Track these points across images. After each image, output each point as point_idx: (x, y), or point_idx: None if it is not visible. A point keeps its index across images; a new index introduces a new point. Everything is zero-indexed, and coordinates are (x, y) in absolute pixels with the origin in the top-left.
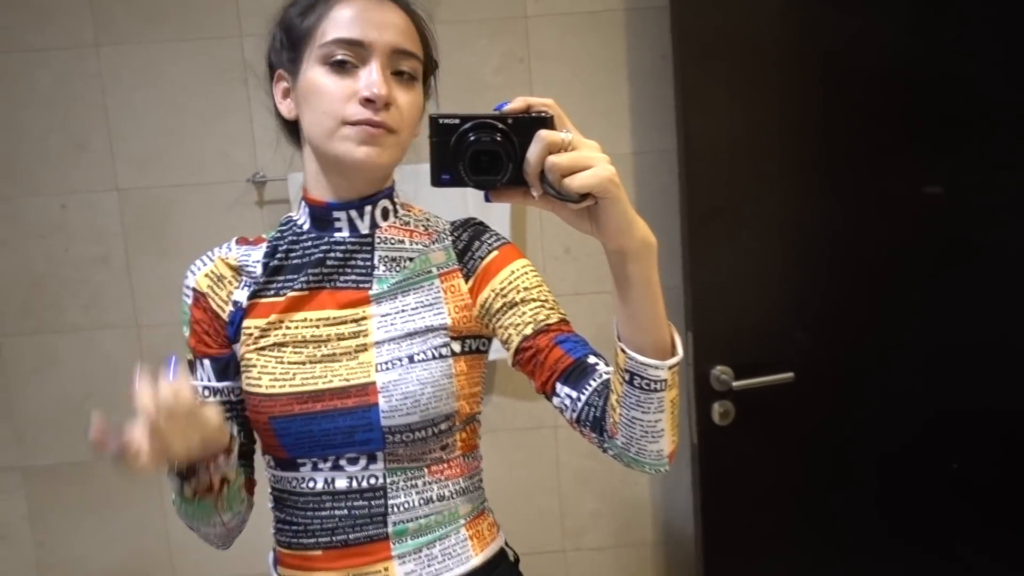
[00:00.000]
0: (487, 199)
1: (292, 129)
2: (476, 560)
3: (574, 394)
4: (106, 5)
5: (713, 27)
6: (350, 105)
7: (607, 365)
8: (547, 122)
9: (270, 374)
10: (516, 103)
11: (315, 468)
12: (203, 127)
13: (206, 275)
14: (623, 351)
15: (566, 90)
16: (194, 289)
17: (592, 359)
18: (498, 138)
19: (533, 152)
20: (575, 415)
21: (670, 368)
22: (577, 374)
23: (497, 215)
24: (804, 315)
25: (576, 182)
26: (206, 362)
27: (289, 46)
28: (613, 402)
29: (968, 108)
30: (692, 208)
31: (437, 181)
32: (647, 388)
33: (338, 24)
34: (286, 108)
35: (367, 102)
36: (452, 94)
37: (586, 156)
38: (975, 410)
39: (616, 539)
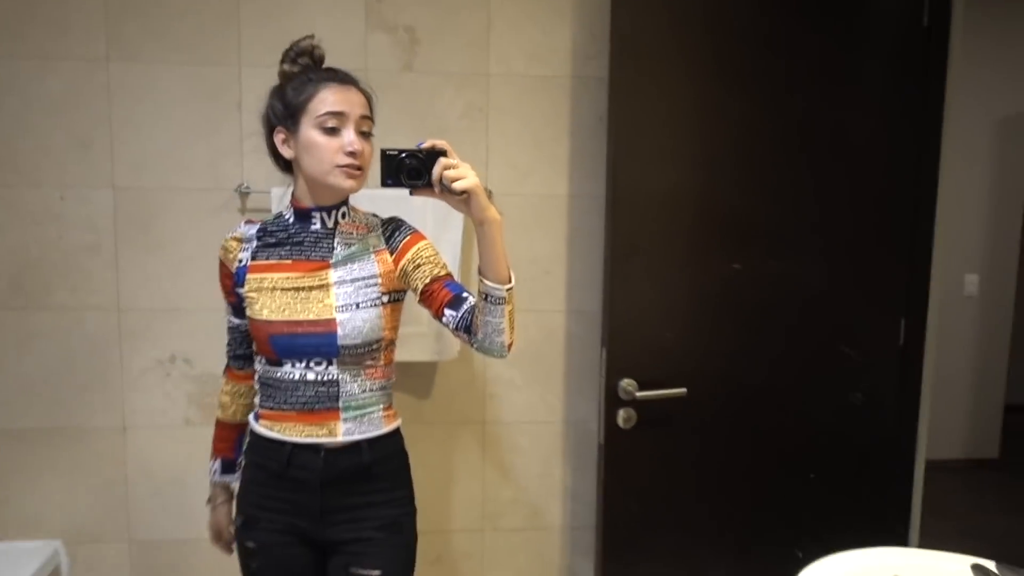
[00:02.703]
0: (411, 194)
1: (284, 163)
2: (385, 429)
3: (455, 313)
4: (120, 24)
5: (643, 99)
6: (338, 156)
7: (473, 297)
8: (445, 153)
9: (268, 307)
10: (428, 143)
11: (293, 366)
12: (197, 140)
13: (223, 249)
14: (481, 281)
15: (517, 138)
16: (220, 260)
17: (464, 294)
18: (418, 161)
19: (436, 169)
20: (455, 325)
21: (507, 290)
22: (456, 302)
23: (450, 241)
24: (698, 342)
25: (459, 184)
26: (227, 305)
27: (287, 114)
28: (476, 314)
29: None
30: (615, 247)
31: (384, 184)
32: (494, 302)
33: (326, 102)
34: (286, 151)
35: (350, 154)
36: (423, 132)
37: (465, 171)
38: (826, 431)
39: (529, 523)
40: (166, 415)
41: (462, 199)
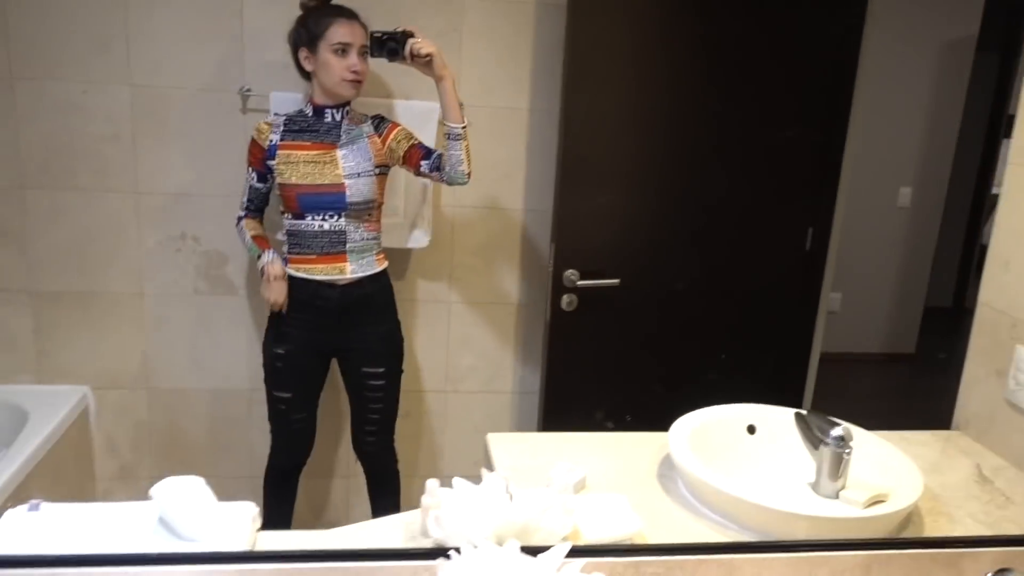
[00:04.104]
0: (389, 61)
1: (304, 73)
2: (378, 268)
3: (428, 160)
4: None
5: (598, 27)
6: (345, 72)
7: (438, 152)
8: (414, 34)
9: (296, 175)
10: (401, 28)
11: (313, 218)
12: (204, 45)
13: (257, 131)
14: (443, 123)
15: (486, 57)
16: (253, 139)
17: (435, 150)
18: (395, 41)
19: (408, 43)
20: (429, 168)
21: (462, 128)
22: (428, 154)
23: None
24: (632, 241)
25: (424, 49)
26: (254, 172)
27: (309, 39)
28: (443, 153)
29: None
30: (565, 156)
31: (372, 55)
32: (454, 138)
33: (338, 33)
34: (308, 65)
35: (354, 72)
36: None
37: (427, 43)
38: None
39: (485, 387)
40: (177, 284)
41: (426, 62)
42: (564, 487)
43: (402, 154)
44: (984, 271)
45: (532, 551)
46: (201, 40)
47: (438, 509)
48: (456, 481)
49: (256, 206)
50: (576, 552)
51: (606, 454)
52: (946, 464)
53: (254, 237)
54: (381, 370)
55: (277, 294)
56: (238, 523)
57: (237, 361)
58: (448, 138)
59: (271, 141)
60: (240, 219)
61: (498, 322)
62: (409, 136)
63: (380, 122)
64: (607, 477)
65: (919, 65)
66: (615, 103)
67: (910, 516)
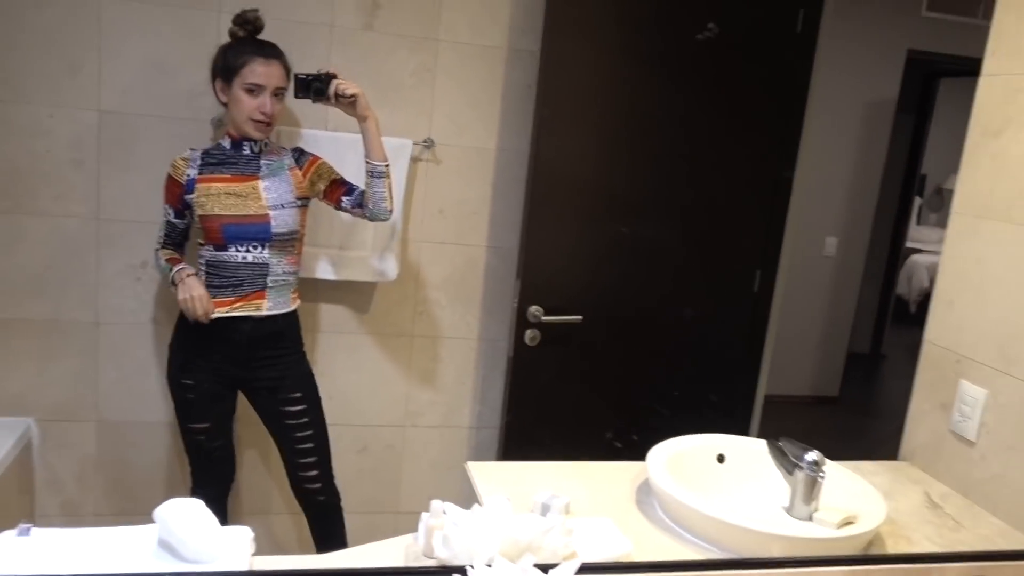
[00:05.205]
0: (313, 102)
1: (219, 100)
2: (292, 307)
3: (351, 197)
4: None
5: (569, 75)
6: (254, 112)
7: (360, 187)
8: (336, 76)
9: (217, 206)
10: (327, 69)
11: (236, 249)
12: (177, 74)
13: (173, 167)
14: (367, 162)
15: (458, 98)
16: (168, 175)
17: (354, 185)
18: (320, 81)
19: (332, 85)
20: (351, 204)
21: (385, 166)
22: (350, 190)
23: (397, 185)
24: (593, 280)
25: (349, 91)
26: (171, 209)
27: (225, 70)
28: (365, 191)
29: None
30: (533, 196)
31: (296, 96)
32: (377, 176)
33: (253, 72)
34: (222, 96)
35: (263, 114)
36: (379, 87)
37: (352, 84)
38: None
39: (443, 421)
40: (135, 314)
41: (350, 103)
42: (559, 510)
43: (323, 188)
44: (929, 311)
45: (543, 568)
46: (174, 68)
47: (443, 529)
48: (448, 506)
49: (173, 241)
50: (585, 570)
51: (584, 481)
52: (898, 491)
53: (168, 259)
54: (299, 395)
55: (204, 303)
56: (238, 545)
57: None
58: (371, 176)
59: (188, 176)
60: (155, 251)
61: (459, 357)
62: (331, 171)
63: (300, 155)
64: (588, 503)
65: (847, 122)
66: (582, 146)
67: (873, 539)
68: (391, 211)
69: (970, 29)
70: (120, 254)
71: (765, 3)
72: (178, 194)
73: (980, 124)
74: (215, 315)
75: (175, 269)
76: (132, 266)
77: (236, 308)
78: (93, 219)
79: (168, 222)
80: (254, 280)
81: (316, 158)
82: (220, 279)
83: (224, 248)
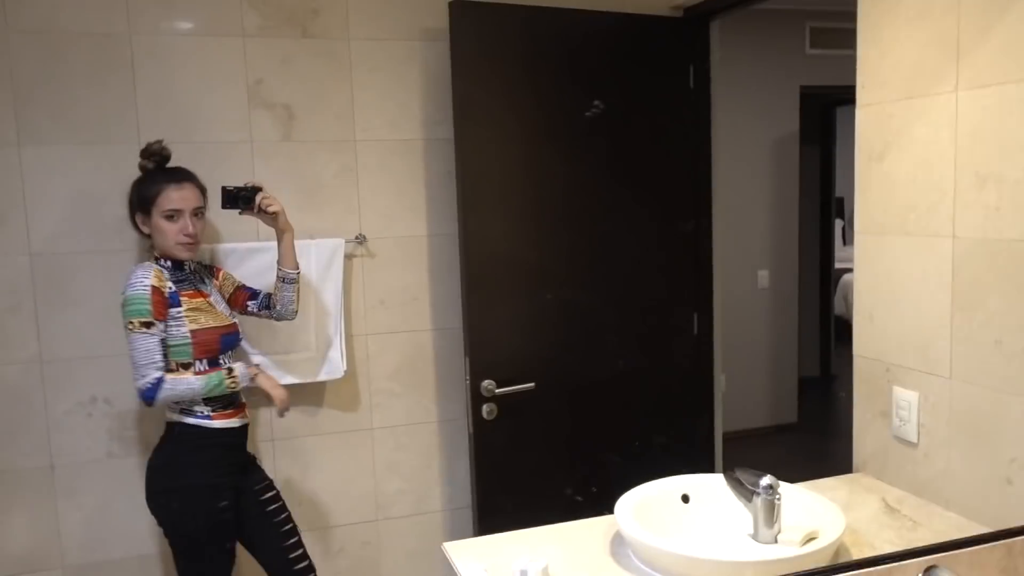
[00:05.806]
0: (240, 214)
1: (141, 233)
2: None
3: (256, 301)
4: (29, 111)
5: (481, 155)
6: (178, 236)
7: (263, 291)
8: (261, 188)
9: (208, 318)
10: (250, 182)
11: (225, 360)
12: (103, 208)
13: (157, 279)
14: (280, 269)
15: (383, 191)
16: (154, 287)
17: (257, 289)
18: (246, 193)
19: (257, 198)
20: (257, 308)
21: (296, 274)
22: (254, 295)
23: (333, 279)
24: (540, 346)
25: (272, 208)
26: (160, 324)
27: (141, 204)
28: (273, 294)
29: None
30: (469, 276)
31: (223, 207)
32: (289, 282)
33: (169, 199)
34: (144, 228)
35: (186, 235)
36: (302, 191)
37: (275, 200)
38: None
39: (415, 509)
40: (90, 451)
41: (273, 217)
42: (537, 573)
43: (229, 295)
44: (854, 326)
45: None
46: (99, 202)
47: None
48: None
49: (165, 362)
50: None
51: (559, 543)
52: (856, 502)
53: (197, 374)
54: (268, 483)
55: (281, 390)
56: None
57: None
58: (283, 281)
59: (170, 288)
60: (159, 381)
61: (421, 442)
62: (234, 280)
63: (209, 267)
64: (566, 563)
65: (757, 160)
66: (505, 223)
67: (838, 551)
68: (296, 312)
69: (852, 60)
70: (67, 393)
71: (654, 65)
72: (164, 308)
73: (864, 151)
74: (221, 425)
75: (240, 369)
76: (81, 403)
77: (242, 417)
78: (36, 362)
79: (160, 341)
80: (242, 390)
81: (219, 268)
82: (228, 398)
83: (217, 361)
